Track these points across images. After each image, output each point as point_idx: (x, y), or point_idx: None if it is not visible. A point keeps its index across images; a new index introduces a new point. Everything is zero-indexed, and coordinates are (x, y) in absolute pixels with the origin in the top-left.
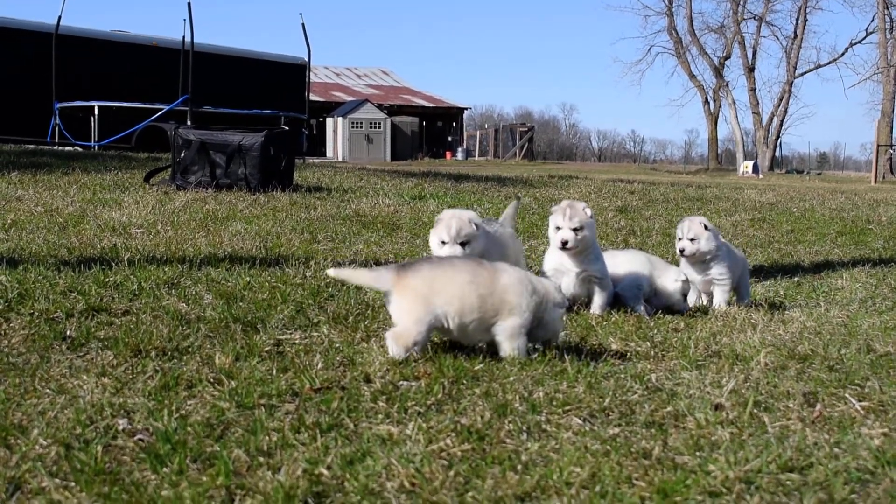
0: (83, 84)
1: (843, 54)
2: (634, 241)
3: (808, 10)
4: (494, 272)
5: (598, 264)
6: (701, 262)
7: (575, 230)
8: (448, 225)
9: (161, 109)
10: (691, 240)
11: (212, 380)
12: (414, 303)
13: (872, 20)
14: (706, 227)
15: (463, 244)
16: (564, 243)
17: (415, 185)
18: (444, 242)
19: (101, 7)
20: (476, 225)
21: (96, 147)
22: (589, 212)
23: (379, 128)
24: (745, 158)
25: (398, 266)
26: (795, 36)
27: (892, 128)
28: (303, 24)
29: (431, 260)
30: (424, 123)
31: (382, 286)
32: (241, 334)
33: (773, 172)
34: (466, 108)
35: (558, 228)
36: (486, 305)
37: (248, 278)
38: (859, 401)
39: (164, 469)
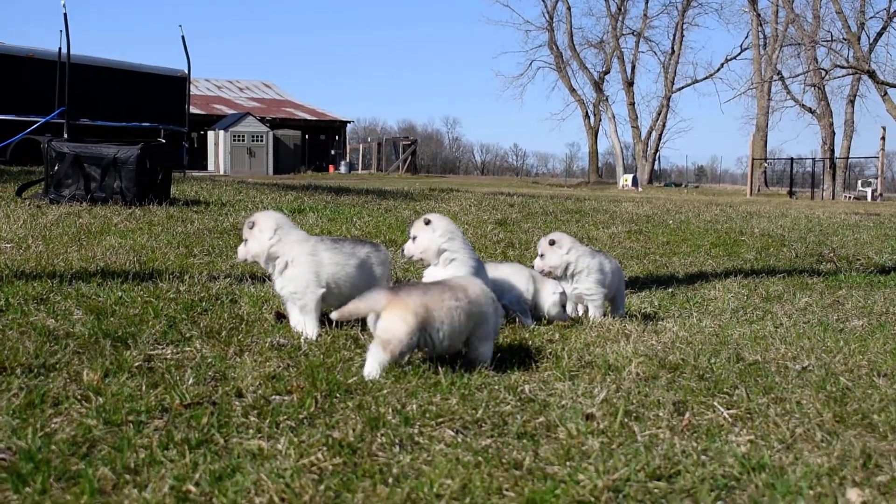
0: None
1: (718, 70)
2: (513, 253)
3: (684, 26)
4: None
5: (458, 273)
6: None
7: (413, 239)
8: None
9: (37, 122)
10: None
11: (79, 397)
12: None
13: (747, 37)
14: (427, 223)
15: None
16: (402, 251)
17: (294, 198)
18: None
19: None
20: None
21: None
22: (427, 220)
23: (261, 141)
24: (625, 172)
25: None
26: (673, 52)
27: (766, 142)
28: (182, 37)
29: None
30: (307, 137)
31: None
32: (111, 350)
33: (652, 185)
34: (349, 122)
35: None
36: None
37: (119, 293)
38: (727, 409)
39: (27, 489)
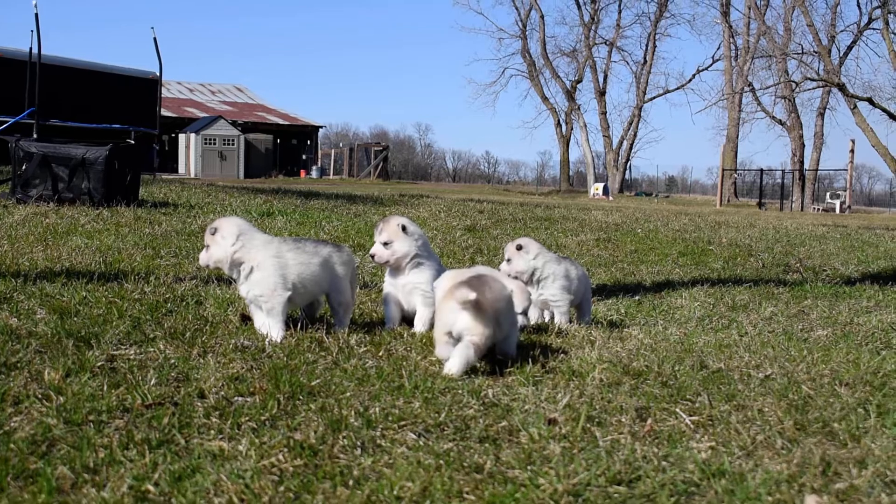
0: None
1: (690, 80)
2: (482, 259)
3: (657, 36)
4: None
5: (422, 277)
6: (530, 282)
7: (385, 244)
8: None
9: (6, 122)
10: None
11: (40, 396)
12: None
13: (718, 48)
14: (518, 248)
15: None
16: (372, 256)
17: (264, 201)
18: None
19: None
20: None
21: None
22: (404, 226)
23: (232, 144)
24: (596, 181)
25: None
26: (645, 62)
27: (736, 153)
28: (154, 38)
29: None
30: (279, 141)
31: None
32: (74, 350)
33: (622, 195)
34: (321, 127)
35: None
36: None
37: (84, 293)
38: (689, 415)
39: None
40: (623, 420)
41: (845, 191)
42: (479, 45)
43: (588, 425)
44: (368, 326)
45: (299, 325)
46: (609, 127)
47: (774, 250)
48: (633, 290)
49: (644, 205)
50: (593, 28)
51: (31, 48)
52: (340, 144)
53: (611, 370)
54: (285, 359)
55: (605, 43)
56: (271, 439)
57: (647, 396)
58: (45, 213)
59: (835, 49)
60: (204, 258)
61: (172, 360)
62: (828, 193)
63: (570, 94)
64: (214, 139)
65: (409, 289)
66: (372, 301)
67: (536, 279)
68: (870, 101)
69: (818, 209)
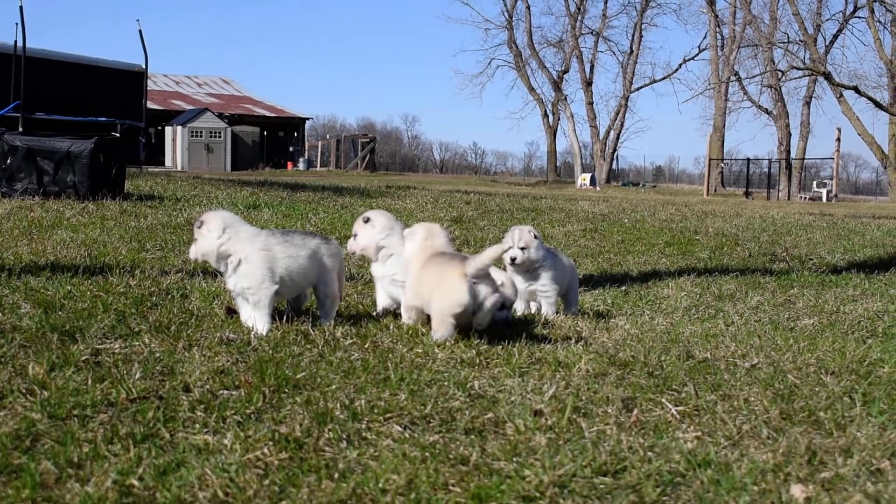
0: None
1: (676, 70)
2: (468, 250)
3: (643, 26)
4: None
5: (396, 267)
6: (527, 270)
7: (354, 236)
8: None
9: None
10: (522, 248)
11: (24, 390)
12: None
13: (705, 37)
14: (535, 237)
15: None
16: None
17: (250, 193)
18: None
19: None
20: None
21: None
22: (367, 218)
23: (219, 137)
24: (584, 171)
25: None
26: (631, 52)
27: (723, 142)
28: (140, 31)
29: None
30: (266, 133)
31: None
32: (58, 344)
33: (610, 185)
34: (308, 118)
35: None
36: None
37: (69, 287)
38: (675, 405)
39: None
40: (609, 411)
41: (832, 179)
42: (466, 35)
43: (574, 416)
44: (354, 319)
45: (285, 317)
46: (596, 117)
47: (761, 239)
48: (619, 281)
49: (631, 195)
50: (579, 18)
51: (16, 41)
52: (327, 136)
53: (597, 361)
54: (271, 352)
55: (592, 33)
56: (256, 433)
57: (633, 387)
58: (30, 207)
59: (820, 38)
60: (193, 251)
61: (157, 354)
62: (814, 182)
63: (557, 85)
64: (201, 132)
65: (387, 280)
66: (358, 293)
67: (533, 269)
68: (856, 89)
69: (805, 198)
